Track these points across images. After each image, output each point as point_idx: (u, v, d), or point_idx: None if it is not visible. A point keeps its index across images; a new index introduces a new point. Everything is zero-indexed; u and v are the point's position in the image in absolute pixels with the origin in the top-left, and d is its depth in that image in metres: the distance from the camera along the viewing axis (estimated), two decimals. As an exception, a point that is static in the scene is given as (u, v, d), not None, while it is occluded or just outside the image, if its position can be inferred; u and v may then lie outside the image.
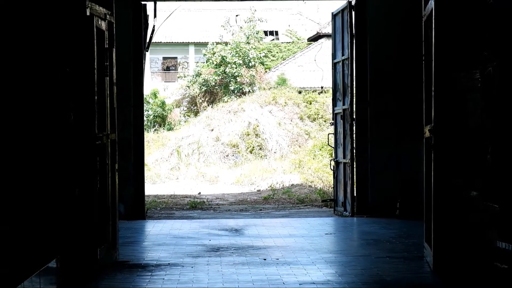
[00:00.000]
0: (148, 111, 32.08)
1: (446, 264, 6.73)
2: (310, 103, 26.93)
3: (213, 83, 32.70)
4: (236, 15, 41.13)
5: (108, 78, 7.32)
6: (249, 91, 31.22)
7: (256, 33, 35.20)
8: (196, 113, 31.41)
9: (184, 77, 36.57)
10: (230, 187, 19.35)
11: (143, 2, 11.41)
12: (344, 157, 11.44)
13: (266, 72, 34.24)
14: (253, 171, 21.49)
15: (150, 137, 26.17)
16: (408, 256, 7.81)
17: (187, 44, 46.04)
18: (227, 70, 32.56)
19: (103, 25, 7.22)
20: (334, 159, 11.98)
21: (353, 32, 11.21)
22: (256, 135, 24.95)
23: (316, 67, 31.21)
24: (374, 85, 11.14)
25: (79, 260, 6.67)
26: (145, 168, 11.71)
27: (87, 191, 6.74)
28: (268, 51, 37.77)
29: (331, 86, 12.55)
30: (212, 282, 6.59)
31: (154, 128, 30.98)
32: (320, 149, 22.80)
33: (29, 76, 5.67)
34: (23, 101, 5.51)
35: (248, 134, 24.86)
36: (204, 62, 35.26)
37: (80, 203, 6.69)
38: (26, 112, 5.56)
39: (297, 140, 24.91)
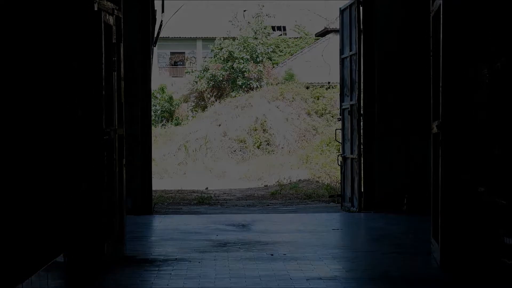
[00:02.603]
0: (156, 106, 32.10)
1: (453, 260, 6.72)
2: (318, 99, 26.93)
3: (221, 78, 32.71)
4: (244, 10, 41.09)
5: (115, 73, 7.32)
6: (257, 86, 31.22)
7: (264, 28, 35.18)
8: (203, 108, 31.44)
9: (192, 72, 36.58)
10: (238, 182, 19.36)
11: (150, -3, 11.42)
12: (351, 153, 11.43)
13: (273, 67, 34.22)
14: (260, 166, 21.50)
15: (157, 132, 26.20)
16: (415, 252, 7.81)
17: (194, 39, 46.05)
18: (235, 65, 32.55)
19: (111, 20, 7.22)
20: (341, 154, 11.97)
21: (361, 27, 11.20)
22: (264, 130, 24.96)
23: (323, 63, 31.17)
24: (382, 80, 11.12)
25: (87, 255, 6.69)
26: (153, 163, 11.71)
27: (94, 186, 6.75)
28: (275, 47, 37.74)
29: (338, 82, 12.54)
30: (219, 277, 6.60)
31: (162, 123, 31.01)
32: (328, 145, 22.79)
33: (37, 71, 5.68)
34: (31, 96, 5.52)
35: (256, 129, 24.87)
36: (211, 57, 35.27)
37: (87, 198, 6.70)
38: (34, 107, 5.57)
39: (304, 136, 24.92)
